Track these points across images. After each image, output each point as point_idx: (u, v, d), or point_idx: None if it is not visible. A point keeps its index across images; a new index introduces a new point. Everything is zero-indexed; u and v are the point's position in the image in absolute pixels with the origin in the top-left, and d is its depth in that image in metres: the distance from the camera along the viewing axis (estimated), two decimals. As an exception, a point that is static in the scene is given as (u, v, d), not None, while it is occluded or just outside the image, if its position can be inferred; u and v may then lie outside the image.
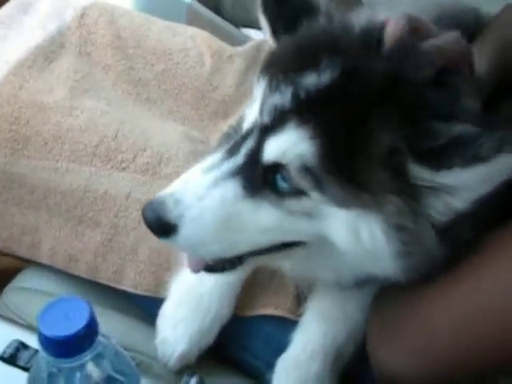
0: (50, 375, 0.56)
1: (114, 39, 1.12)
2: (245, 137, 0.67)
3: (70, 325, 0.55)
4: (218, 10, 1.74)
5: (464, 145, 0.59)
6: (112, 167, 0.97)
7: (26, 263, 1.05)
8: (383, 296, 0.76)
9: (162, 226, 0.65)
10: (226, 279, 0.86)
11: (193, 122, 1.12)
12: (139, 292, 0.94)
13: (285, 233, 0.68)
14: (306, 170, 0.63)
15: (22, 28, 1.13)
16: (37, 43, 1.09)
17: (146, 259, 0.94)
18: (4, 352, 0.71)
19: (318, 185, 0.63)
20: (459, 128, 0.61)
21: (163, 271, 0.92)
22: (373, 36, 0.67)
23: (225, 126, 1.07)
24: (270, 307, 0.90)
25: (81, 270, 0.97)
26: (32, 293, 0.99)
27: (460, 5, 0.97)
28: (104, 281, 0.96)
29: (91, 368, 0.56)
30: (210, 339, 0.86)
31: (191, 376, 0.63)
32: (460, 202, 0.62)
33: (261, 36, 1.36)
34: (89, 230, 0.96)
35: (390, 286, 0.72)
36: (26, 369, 0.68)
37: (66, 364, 0.56)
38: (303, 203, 0.65)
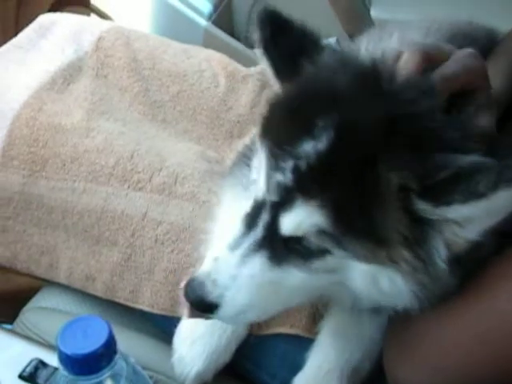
0: (70, 393, 0.57)
1: (130, 61, 1.14)
2: (259, 208, 0.67)
3: (89, 343, 0.55)
4: (232, 32, 1.76)
5: (463, 180, 0.59)
6: (128, 187, 0.99)
7: (44, 282, 1.06)
8: (399, 317, 0.76)
9: (205, 306, 0.68)
10: None
11: (208, 142, 1.13)
12: (156, 311, 0.95)
13: (311, 289, 0.71)
14: (324, 234, 0.63)
15: (40, 52, 1.15)
16: (55, 67, 1.11)
17: (163, 278, 0.95)
18: (23, 370, 0.71)
19: (339, 244, 0.64)
20: (461, 161, 0.60)
21: (179, 290, 0.93)
22: (382, 71, 0.67)
23: (240, 145, 1.08)
24: (285, 325, 0.90)
25: (98, 290, 0.98)
26: (50, 312, 1.00)
27: (473, 24, 0.97)
28: (121, 300, 0.97)
29: (110, 386, 0.57)
30: (226, 357, 0.87)
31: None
32: (469, 234, 0.62)
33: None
34: (106, 250, 0.97)
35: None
36: (45, 387, 0.69)
37: (85, 382, 0.56)
38: (327, 261, 0.66)
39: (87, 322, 0.58)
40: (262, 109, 1.11)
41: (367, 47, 0.85)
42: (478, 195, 0.58)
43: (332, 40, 1.54)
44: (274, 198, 0.65)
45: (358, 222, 0.62)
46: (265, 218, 0.66)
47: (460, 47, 0.81)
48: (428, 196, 0.61)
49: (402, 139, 0.62)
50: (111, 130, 1.04)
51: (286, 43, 0.72)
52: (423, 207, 0.62)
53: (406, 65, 0.68)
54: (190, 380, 0.86)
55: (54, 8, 1.56)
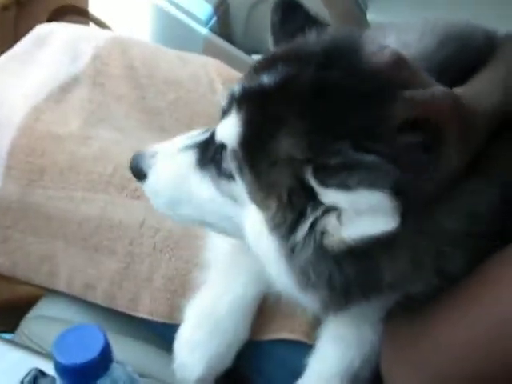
0: (67, 402, 0.57)
1: (126, 70, 1.15)
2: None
3: (84, 352, 0.55)
4: (229, 39, 1.77)
5: (347, 170, 0.60)
6: (126, 195, 0.99)
7: (44, 291, 1.06)
8: (396, 318, 0.76)
9: (137, 172, 0.79)
10: (242, 302, 0.86)
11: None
12: (155, 318, 0.95)
13: (216, 212, 0.75)
14: (234, 154, 0.69)
15: (37, 62, 1.16)
16: (52, 76, 1.12)
17: (161, 286, 0.95)
18: (23, 380, 0.71)
19: (240, 172, 0.69)
20: (359, 157, 0.60)
21: (178, 297, 0.93)
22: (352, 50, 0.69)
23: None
24: (284, 331, 0.90)
25: (97, 298, 0.98)
26: (50, 321, 1.01)
27: (470, 25, 0.97)
28: (120, 308, 0.97)
29: (106, 395, 0.56)
30: (226, 363, 0.87)
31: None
32: (344, 232, 0.62)
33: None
34: (104, 258, 0.98)
35: (402, 308, 0.72)
36: (44, 396, 0.69)
37: (82, 391, 0.56)
38: (231, 188, 0.71)
39: (83, 331, 0.58)
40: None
41: None
42: (345, 186, 0.59)
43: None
44: (223, 103, 0.73)
45: (253, 155, 0.67)
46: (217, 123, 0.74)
47: (455, 48, 0.81)
48: (316, 172, 0.62)
49: (316, 113, 0.64)
50: (108, 138, 1.04)
51: (291, 28, 0.78)
52: (312, 181, 0.63)
53: (379, 54, 0.68)
54: None
55: (53, 18, 1.57)
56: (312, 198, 0.63)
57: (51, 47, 1.17)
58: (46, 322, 1.00)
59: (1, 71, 1.16)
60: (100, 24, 1.79)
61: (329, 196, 0.62)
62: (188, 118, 1.15)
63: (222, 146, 0.71)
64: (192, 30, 1.76)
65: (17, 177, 1.01)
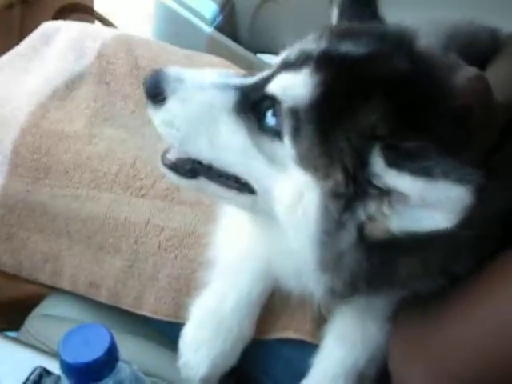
0: (72, 401, 0.56)
1: (132, 68, 1.14)
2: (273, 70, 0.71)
3: (90, 351, 0.55)
4: (235, 37, 1.77)
5: (425, 159, 0.60)
6: (131, 194, 0.99)
7: (49, 290, 1.06)
8: (403, 318, 0.76)
9: (154, 92, 0.71)
10: (247, 301, 0.86)
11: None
12: (159, 317, 0.95)
13: (243, 165, 0.71)
14: (293, 113, 0.66)
15: (42, 60, 1.16)
16: (57, 74, 1.12)
17: (166, 284, 0.95)
18: (28, 379, 0.71)
19: (296, 133, 0.66)
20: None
21: (183, 296, 0.93)
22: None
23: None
24: (289, 330, 0.90)
25: (102, 296, 0.98)
26: (55, 320, 1.00)
27: (475, 24, 0.97)
28: (125, 306, 0.97)
29: (112, 394, 0.56)
30: (231, 361, 0.87)
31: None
32: (391, 223, 0.62)
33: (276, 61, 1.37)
34: (109, 257, 0.98)
35: (410, 307, 0.72)
36: (49, 395, 0.69)
37: (87, 390, 0.56)
38: (274, 147, 0.68)
39: (89, 329, 0.58)
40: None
41: None
42: (426, 174, 0.58)
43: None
44: (292, 57, 0.69)
45: (325, 120, 0.65)
46: (266, 72, 0.70)
47: (461, 47, 0.81)
48: (388, 152, 0.62)
49: (403, 97, 0.64)
50: (114, 136, 1.04)
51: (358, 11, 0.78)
52: (376, 164, 0.62)
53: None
54: (196, 383, 0.85)
55: (58, 16, 1.57)
56: (371, 179, 0.63)
57: (56, 45, 1.17)
58: (51, 320, 1.00)
59: (6, 68, 1.16)
60: (105, 22, 1.79)
61: (397, 180, 0.60)
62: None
63: (274, 100, 0.67)
64: (196, 28, 1.75)
65: (22, 175, 1.01)
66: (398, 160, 0.60)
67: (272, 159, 0.68)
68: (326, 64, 0.66)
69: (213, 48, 1.66)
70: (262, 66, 1.37)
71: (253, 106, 0.69)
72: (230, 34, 1.76)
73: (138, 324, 0.98)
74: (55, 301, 1.04)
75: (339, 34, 0.69)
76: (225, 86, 0.70)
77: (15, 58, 1.17)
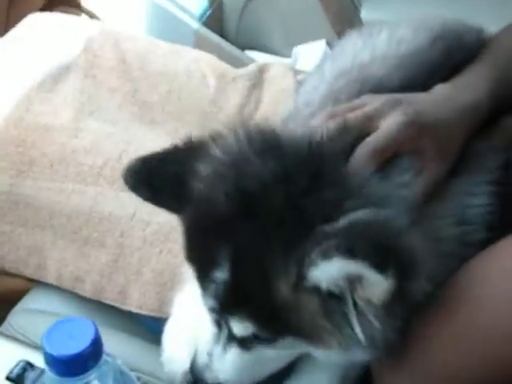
0: (56, 394, 0.56)
1: (119, 62, 1.14)
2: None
3: (74, 344, 0.55)
4: (222, 34, 1.77)
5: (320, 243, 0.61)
6: (117, 188, 0.98)
7: (33, 284, 1.05)
8: None
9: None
10: None
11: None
12: (144, 312, 0.95)
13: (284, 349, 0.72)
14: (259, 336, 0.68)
15: (28, 51, 1.15)
16: (43, 66, 1.11)
17: (151, 279, 0.94)
18: (11, 372, 0.71)
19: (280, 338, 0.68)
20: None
21: (167, 291, 0.92)
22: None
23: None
24: None
25: (86, 291, 0.98)
26: (38, 314, 1.00)
27: (463, 24, 0.97)
28: (109, 301, 0.97)
29: (96, 387, 0.56)
30: None
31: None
32: (376, 291, 0.62)
33: (264, 58, 1.38)
34: (94, 251, 0.97)
35: None
36: (32, 388, 0.69)
37: (71, 383, 0.56)
38: (280, 342, 0.69)
39: (73, 323, 0.57)
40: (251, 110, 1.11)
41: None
42: (326, 256, 0.60)
43: (322, 42, 1.54)
44: (213, 317, 0.71)
45: (279, 323, 0.66)
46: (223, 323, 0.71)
47: (449, 46, 0.82)
48: (301, 274, 0.63)
49: (277, 246, 0.64)
50: (99, 130, 1.04)
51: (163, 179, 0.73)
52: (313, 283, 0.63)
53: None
54: (179, 378, 0.85)
55: (45, 8, 1.55)
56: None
57: (42, 37, 1.16)
58: (34, 314, 0.99)
59: (-9, 59, 1.15)
60: (92, 16, 1.78)
61: (321, 277, 0.62)
62: (180, 111, 1.15)
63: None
64: (184, 24, 1.75)
65: (6, 167, 1.01)
66: (308, 265, 0.62)
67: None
68: (229, 303, 0.67)
69: (200, 44, 1.65)
70: (249, 62, 1.37)
71: (248, 342, 0.71)
72: (217, 30, 1.76)
73: (122, 319, 0.98)
74: (39, 295, 1.03)
75: (201, 270, 0.69)
76: (226, 344, 0.73)
77: (0, 50, 1.16)
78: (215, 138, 0.73)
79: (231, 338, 0.71)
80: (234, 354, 0.72)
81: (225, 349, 0.73)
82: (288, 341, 0.68)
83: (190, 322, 0.85)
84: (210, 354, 0.74)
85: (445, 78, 0.81)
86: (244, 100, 1.16)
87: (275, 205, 0.64)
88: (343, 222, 0.61)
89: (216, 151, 0.70)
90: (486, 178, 0.76)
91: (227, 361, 0.73)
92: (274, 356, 0.72)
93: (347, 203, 0.63)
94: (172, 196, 0.72)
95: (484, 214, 0.73)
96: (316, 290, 0.64)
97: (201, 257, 0.69)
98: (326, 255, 0.59)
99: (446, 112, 0.76)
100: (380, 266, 0.58)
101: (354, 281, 0.61)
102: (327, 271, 0.61)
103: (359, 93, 0.79)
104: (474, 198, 0.74)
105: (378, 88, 0.79)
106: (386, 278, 0.59)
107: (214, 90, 1.16)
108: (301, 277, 0.63)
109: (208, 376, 0.74)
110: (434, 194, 0.72)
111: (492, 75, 0.81)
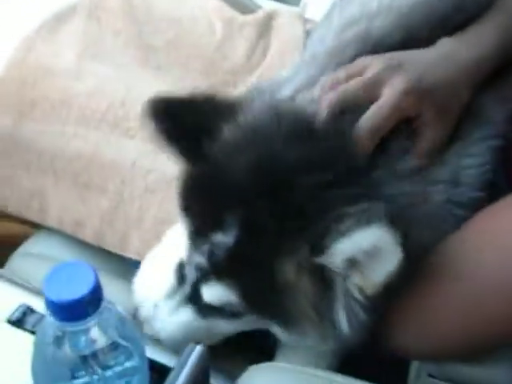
0: (56, 339, 0.56)
1: (124, 5, 1.12)
2: (182, 270, 0.73)
3: (75, 289, 0.54)
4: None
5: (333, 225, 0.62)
6: (119, 134, 0.97)
7: (35, 229, 1.05)
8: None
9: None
10: None
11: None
12: (143, 259, 0.94)
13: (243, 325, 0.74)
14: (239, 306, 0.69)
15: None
16: (47, 6, 1.09)
17: (151, 227, 0.94)
18: (12, 315, 0.71)
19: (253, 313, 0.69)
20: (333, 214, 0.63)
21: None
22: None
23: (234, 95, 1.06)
24: None
25: (87, 236, 0.97)
26: (39, 258, 0.99)
27: None
28: (109, 247, 0.96)
29: (96, 333, 0.56)
30: None
31: (195, 346, 0.64)
32: (375, 277, 0.64)
33: (272, 5, 1.34)
34: (95, 196, 0.96)
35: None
36: (33, 332, 0.69)
37: (72, 328, 0.55)
38: (244, 319, 0.71)
39: (74, 267, 0.57)
40: (258, 58, 1.09)
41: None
42: (341, 234, 0.61)
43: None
44: (193, 275, 0.71)
45: (265, 302, 0.67)
46: (190, 280, 0.72)
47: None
48: (317, 250, 0.64)
49: (292, 233, 0.65)
50: (103, 73, 1.02)
51: (187, 125, 0.73)
52: (318, 264, 0.64)
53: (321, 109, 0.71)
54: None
55: None
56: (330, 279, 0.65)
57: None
58: (35, 259, 0.99)
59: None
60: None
61: (336, 254, 0.63)
62: (185, 57, 1.12)
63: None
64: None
65: (7, 109, 0.99)
66: (323, 242, 0.63)
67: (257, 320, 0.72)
68: (223, 269, 0.67)
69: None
70: (257, 9, 1.34)
71: (207, 309, 0.72)
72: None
73: (122, 266, 0.97)
74: (40, 240, 1.03)
75: (201, 227, 0.70)
76: (179, 303, 0.74)
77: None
78: (244, 103, 0.73)
79: (188, 299, 0.72)
80: (184, 316, 0.73)
81: (177, 308, 0.73)
82: (253, 319, 0.70)
83: (170, 258, 0.85)
84: (156, 307, 0.75)
85: (454, 31, 0.79)
86: (251, 48, 1.14)
87: (298, 189, 0.65)
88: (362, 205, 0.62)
89: (244, 118, 0.71)
90: (488, 132, 0.75)
91: (173, 321, 0.73)
92: (223, 328, 0.73)
93: (364, 197, 0.65)
94: (189, 144, 0.72)
95: (478, 175, 0.74)
96: (316, 275, 0.65)
97: (203, 214, 0.69)
98: (347, 230, 0.61)
99: (447, 71, 0.75)
100: (397, 238, 0.60)
101: (353, 267, 0.63)
102: (343, 246, 0.62)
103: (364, 47, 0.79)
104: (471, 158, 0.74)
105: (381, 43, 0.79)
106: (400, 250, 0.60)
107: (221, 37, 1.14)
108: (314, 254, 0.64)
109: (146, 329, 0.75)
110: (435, 158, 0.73)
111: (501, 29, 0.79)
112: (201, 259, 0.69)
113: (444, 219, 0.72)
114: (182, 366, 0.62)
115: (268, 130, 0.69)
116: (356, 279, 0.64)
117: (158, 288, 0.76)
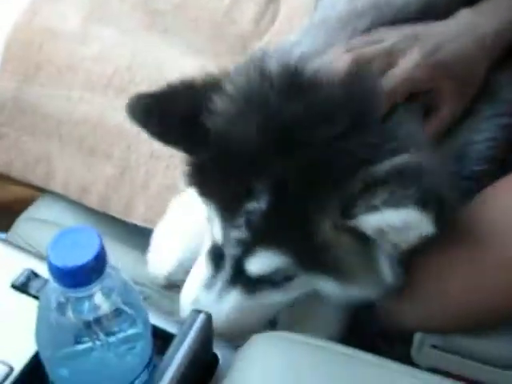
0: (59, 304, 0.56)
1: (131, -33, 1.09)
2: (220, 251, 0.73)
3: (79, 255, 0.54)
4: None
5: (367, 192, 0.63)
6: (126, 99, 0.96)
7: (39, 193, 1.05)
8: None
9: None
10: None
11: (209, 56, 1.10)
12: (148, 226, 0.94)
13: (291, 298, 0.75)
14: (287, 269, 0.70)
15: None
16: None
17: (157, 193, 0.94)
18: (16, 280, 0.71)
19: (302, 272, 0.70)
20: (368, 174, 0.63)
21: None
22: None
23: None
24: None
25: (92, 202, 0.97)
26: (44, 223, 1.00)
27: None
28: (114, 213, 0.96)
29: (100, 299, 0.56)
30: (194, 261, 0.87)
31: (199, 313, 0.64)
32: (409, 238, 0.65)
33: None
34: (101, 162, 0.96)
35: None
36: (36, 297, 0.69)
37: (75, 294, 0.55)
38: (297, 282, 0.71)
39: (79, 233, 0.56)
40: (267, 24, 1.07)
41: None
42: (374, 208, 0.62)
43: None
44: (235, 251, 0.70)
45: (314, 258, 0.68)
46: (229, 261, 0.72)
47: None
48: (347, 214, 0.65)
49: (329, 189, 0.66)
50: (109, 38, 1.01)
51: (174, 117, 0.72)
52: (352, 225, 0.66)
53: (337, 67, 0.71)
54: (160, 281, 0.86)
55: None
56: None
57: None
58: (40, 224, 0.99)
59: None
60: None
61: (365, 223, 0.64)
62: (193, 22, 1.10)
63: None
64: None
65: (12, 72, 0.99)
66: (355, 209, 0.64)
67: (305, 285, 0.74)
68: (264, 235, 0.68)
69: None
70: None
71: (254, 285, 0.73)
72: None
73: (126, 232, 0.98)
74: (45, 205, 1.03)
75: (230, 205, 0.69)
76: (223, 289, 0.73)
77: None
78: (228, 74, 0.73)
79: (231, 282, 0.72)
80: (231, 301, 0.72)
81: (220, 296, 0.73)
82: (303, 281, 0.70)
83: (181, 228, 0.85)
84: (197, 302, 0.74)
85: (472, 3, 0.78)
86: (260, 13, 1.12)
87: (316, 144, 0.65)
88: (388, 165, 0.63)
89: (234, 86, 0.70)
90: (500, 110, 0.75)
91: (222, 310, 0.73)
92: (276, 299, 0.73)
93: (387, 146, 0.65)
94: (184, 134, 0.71)
95: (484, 150, 0.74)
96: (355, 230, 0.66)
97: (227, 191, 0.69)
98: (375, 208, 0.62)
99: (466, 44, 0.74)
100: (427, 213, 0.60)
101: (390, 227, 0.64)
102: (374, 219, 0.63)
103: (382, 16, 0.78)
104: (479, 134, 0.74)
105: (399, 14, 0.78)
106: (431, 224, 0.61)
107: (229, 2, 1.12)
108: (345, 217, 0.65)
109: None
110: (447, 132, 0.74)
111: (503, 11, 0.78)
112: (239, 233, 0.69)
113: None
114: (185, 333, 0.63)
115: (261, 89, 0.69)
116: (391, 237, 0.66)
117: (193, 283, 0.76)
